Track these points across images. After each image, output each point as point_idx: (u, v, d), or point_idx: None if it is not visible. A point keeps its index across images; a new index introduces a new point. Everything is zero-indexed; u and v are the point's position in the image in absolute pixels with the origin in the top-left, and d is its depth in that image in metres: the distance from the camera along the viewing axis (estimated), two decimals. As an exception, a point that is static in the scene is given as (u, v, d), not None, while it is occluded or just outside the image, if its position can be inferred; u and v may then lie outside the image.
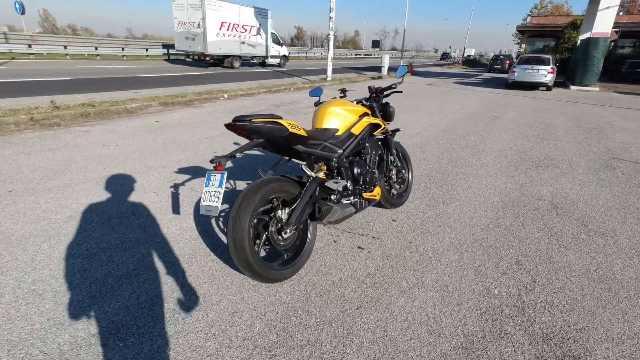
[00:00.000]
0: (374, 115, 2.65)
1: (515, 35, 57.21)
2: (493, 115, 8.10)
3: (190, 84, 11.21)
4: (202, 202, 1.82)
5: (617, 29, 19.74)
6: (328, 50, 15.55)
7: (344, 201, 2.33)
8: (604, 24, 14.36)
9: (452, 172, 4.15)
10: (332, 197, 2.25)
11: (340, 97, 2.79)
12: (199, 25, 16.30)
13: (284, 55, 22.29)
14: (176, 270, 2.16)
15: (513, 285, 2.11)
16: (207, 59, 17.27)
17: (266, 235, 1.99)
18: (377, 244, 2.53)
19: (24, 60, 16.40)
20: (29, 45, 16.82)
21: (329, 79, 14.67)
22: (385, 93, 2.63)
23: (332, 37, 14.98)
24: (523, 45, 37.57)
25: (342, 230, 2.71)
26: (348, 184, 2.33)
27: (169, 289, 1.98)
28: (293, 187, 2.08)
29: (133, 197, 3.18)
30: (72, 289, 1.95)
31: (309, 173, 2.05)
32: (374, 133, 2.63)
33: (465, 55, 50.65)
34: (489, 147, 5.32)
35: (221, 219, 2.85)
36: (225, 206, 2.99)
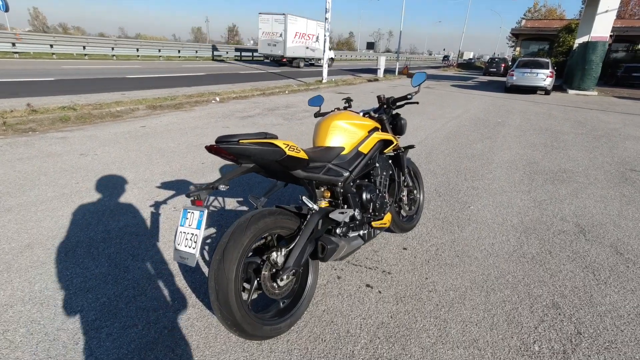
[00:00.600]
0: (384, 129, 2.29)
1: (509, 38, 57.48)
2: (496, 121, 7.80)
3: (191, 85, 10.77)
4: (176, 246, 1.44)
5: (611, 34, 19.71)
6: (323, 51, 15.21)
7: (352, 234, 1.96)
8: (602, 28, 14.21)
9: (462, 186, 3.80)
10: (338, 230, 1.88)
11: (345, 108, 2.42)
12: (280, 34, 21.46)
13: (331, 58, 27.67)
14: (148, 319, 1.77)
15: (555, 339, 1.76)
16: (284, 60, 22.37)
17: (257, 281, 1.61)
18: (388, 281, 2.17)
19: (8, 60, 15.80)
20: (13, 44, 16.22)
21: (324, 81, 14.32)
22: (399, 104, 2.26)
23: (327, 38, 14.64)
24: (518, 49, 37.61)
25: (347, 262, 2.34)
26: (356, 213, 1.96)
27: (138, 348, 1.59)
28: (291, 221, 1.70)
29: (106, 219, 2.77)
30: (12, 351, 1.55)
31: (310, 206, 1.67)
32: (385, 151, 2.26)
33: (465, 58, 50.31)
34: (498, 157, 4.99)
35: (207, 247, 2.46)
36: (214, 230, 2.60)
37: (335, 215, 1.80)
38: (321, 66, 23.44)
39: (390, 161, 2.38)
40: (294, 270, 1.63)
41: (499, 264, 2.39)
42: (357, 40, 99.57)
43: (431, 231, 2.81)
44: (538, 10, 54.93)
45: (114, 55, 19.62)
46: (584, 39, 18.54)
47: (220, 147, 1.41)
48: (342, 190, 1.95)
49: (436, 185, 3.82)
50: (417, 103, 2.31)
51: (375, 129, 2.15)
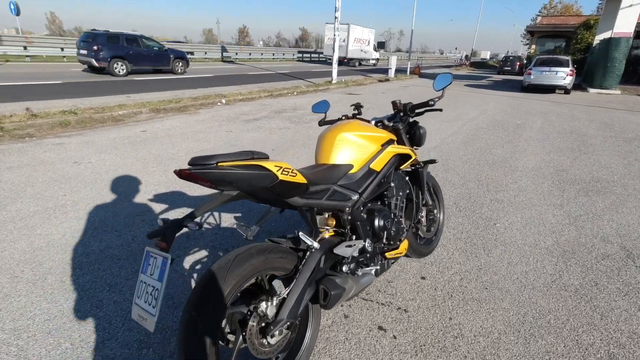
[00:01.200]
0: (400, 141, 1.94)
1: (524, 36, 56.14)
2: (516, 123, 7.35)
3: (207, 86, 10.55)
4: (135, 299, 1.12)
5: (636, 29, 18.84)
6: (333, 51, 14.86)
7: (361, 270, 1.62)
8: (626, 23, 13.53)
9: (485, 199, 3.42)
10: (344, 267, 1.54)
11: (354, 116, 2.08)
12: (344, 40, 26.23)
13: (377, 58, 33.06)
14: (113, 376, 1.46)
15: (619, 409, 1.39)
16: (345, 60, 27.18)
17: (243, 336, 1.29)
18: (404, 321, 1.82)
19: (19, 63, 15.88)
20: (25, 48, 16.29)
21: (334, 81, 13.97)
22: (418, 111, 1.91)
23: (337, 38, 14.29)
24: (533, 47, 36.60)
25: (356, 296, 2.00)
26: (366, 245, 1.62)
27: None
28: (286, 259, 1.37)
29: (87, 239, 2.49)
30: None
31: (309, 243, 1.34)
32: (401, 167, 1.92)
33: (483, 57, 50.39)
34: (522, 163, 4.58)
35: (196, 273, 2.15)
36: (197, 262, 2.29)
37: (341, 249, 1.46)
38: (370, 65, 30.69)
39: (407, 177, 2.03)
40: (288, 323, 1.30)
41: (536, 299, 2.01)
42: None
43: (453, 255, 2.45)
44: (554, 6, 53.52)
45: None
46: (606, 35, 17.77)
47: (194, 172, 1.09)
48: (349, 217, 1.61)
49: (455, 197, 3.44)
50: (441, 110, 1.95)
51: (389, 142, 1.80)
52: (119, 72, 12.80)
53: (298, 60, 32.43)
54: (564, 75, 13.08)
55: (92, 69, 13.03)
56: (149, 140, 5.16)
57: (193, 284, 2.06)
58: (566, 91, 13.52)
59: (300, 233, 1.33)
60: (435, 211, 2.36)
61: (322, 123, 2.15)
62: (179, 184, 3.55)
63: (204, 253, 2.38)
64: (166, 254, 1.07)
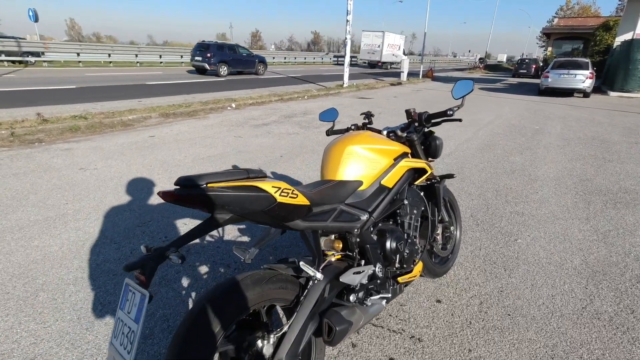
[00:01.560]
0: (414, 152, 1.77)
1: (540, 37, 55.02)
2: (534, 128, 7.07)
3: (235, 89, 10.55)
4: (111, 339, 0.99)
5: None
6: (345, 55, 14.72)
7: (370, 300, 1.45)
8: (649, 24, 13.01)
9: (504, 211, 3.21)
10: (352, 296, 1.39)
11: (364, 125, 1.93)
12: (379, 45, 30.11)
13: (402, 60, 41.30)
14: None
15: None
16: (379, 64, 30.94)
17: None
18: (418, 353, 1.65)
19: (37, 68, 16.22)
20: (42, 53, 16.64)
21: (345, 85, 13.83)
22: (434, 121, 1.74)
23: (349, 41, 14.15)
24: (550, 49, 35.80)
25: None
26: (377, 270, 1.46)
27: None
28: (287, 289, 1.22)
29: (85, 252, 2.39)
30: None
31: (311, 274, 1.19)
32: (416, 182, 1.75)
33: (500, 60, 51.20)
34: (542, 172, 4.34)
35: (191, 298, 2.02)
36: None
37: (348, 277, 1.31)
38: (399, 69, 29.27)
39: (422, 193, 1.86)
40: None
41: (565, 328, 1.81)
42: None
43: (471, 275, 2.26)
44: (571, 7, 52.33)
45: (137, 62, 19.88)
46: (627, 36, 17.20)
47: (180, 194, 0.96)
48: (358, 240, 1.45)
49: (472, 209, 3.24)
50: (460, 120, 1.77)
51: (403, 155, 1.64)
52: (223, 73, 16.48)
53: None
54: (583, 78, 12.66)
55: (198, 71, 16.74)
56: (156, 146, 5.10)
57: (190, 304, 1.93)
58: (585, 94, 13.08)
59: (302, 263, 1.18)
60: (452, 228, 2.18)
61: (329, 133, 2.00)
62: (183, 193, 3.44)
63: (204, 269, 2.25)
64: (144, 290, 0.94)
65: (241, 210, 1.05)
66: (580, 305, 2.00)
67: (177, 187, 0.99)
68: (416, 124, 1.78)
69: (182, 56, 21.84)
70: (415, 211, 1.72)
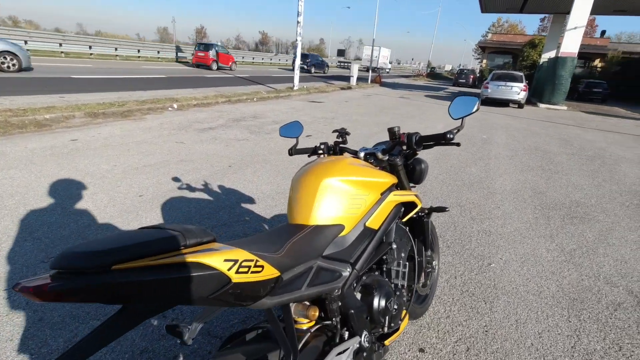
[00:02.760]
0: (400, 183, 1.45)
1: (475, 50, 59.39)
2: (482, 138, 7.27)
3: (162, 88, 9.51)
4: None
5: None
6: (295, 56, 14.37)
7: None
8: (571, 44, 14.37)
9: (472, 230, 3.06)
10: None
11: (336, 146, 1.57)
12: (376, 56, 32.53)
13: (390, 68, 48.38)
14: None
15: None
16: (376, 69, 33.04)
17: None
18: None
19: None
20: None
21: (295, 88, 13.47)
22: (426, 144, 1.43)
23: (299, 43, 13.82)
24: (484, 61, 38.64)
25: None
26: (363, 340, 1.11)
27: None
28: None
29: (-45, 308, 1.74)
30: None
31: None
32: (404, 219, 1.43)
33: (448, 69, 60.67)
34: (499, 184, 4.34)
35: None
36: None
37: None
38: (385, 72, 40.98)
39: (407, 228, 1.54)
40: None
41: (562, 377, 1.61)
42: (328, 47, 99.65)
43: (452, 313, 2.00)
44: (501, 25, 57.21)
45: (62, 52, 17.70)
46: (551, 53, 18.98)
47: (62, 290, 0.53)
48: (340, 304, 1.09)
49: (440, 228, 3.05)
50: (459, 145, 1.47)
51: (392, 187, 1.31)
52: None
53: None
54: (518, 90, 13.60)
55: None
56: (79, 152, 4.32)
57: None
58: (520, 105, 14.07)
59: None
60: (434, 263, 1.90)
61: (293, 152, 1.62)
62: (108, 214, 2.83)
63: None
64: None
65: (176, 299, 0.64)
66: (569, 343, 1.83)
67: (56, 272, 0.56)
68: (404, 147, 1.45)
69: (116, 48, 19.96)
70: (402, 254, 1.40)
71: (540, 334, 1.88)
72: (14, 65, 10.67)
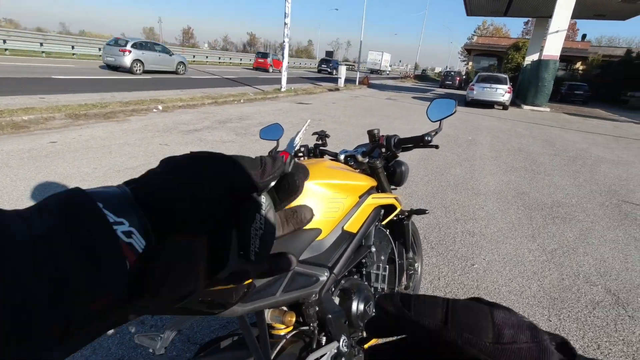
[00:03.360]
0: (380, 186, 1.45)
1: (461, 52, 60.31)
2: (467, 139, 7.37)
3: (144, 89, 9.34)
4: None
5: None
6: (282, 58, 14.34)
7: None
8: (553, 47, 14.71)
9: (456, 230, 3.08)
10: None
11: (316, 148, 1.56)
12: (379, 60, 46.98)
13: (390, 71, 56.24)
14: None
15: None
16: (378, 71, 46.92)
17: None
18: None
19: None
20: None
21: (283, 89, 13.43)
22: (405, 146, 1.43)
23: (287, 44, 13.80)
24: (470, 63, 39.27)
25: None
26: (342, 344, 1.09)
27: None
28: None
29: None
30: None
31: None
32: (384, 221, 1.43)
33: (437, 71, 69.53)
34: (483, 185, 4.39)
35: None
36: None
37: None
38: (386, 73, 51.71)
39: (387, 231, 1.54)
40: None
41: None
42: (316, 49, 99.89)
43: (435, 314, 2.01)
44: (486, 28, 58.28)
45: (43, 52, 17.28)
46: (535, 56, 19.40)
47: None
48: (317, 309, 1.07)
49: (424, 229, 3.06)
50: (437, 147, 1.48)
51: (370, 190, 1.30)
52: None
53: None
54: (503, 92, 13.85)
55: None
56: (58, 155, 4.20)
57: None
58: (504, 107, 14.33)
59: None
60: (416, 265, 1.90)
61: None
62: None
63: None
64: None
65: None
66: (548, 343, 1.85)
67: None
68: (383, 149, 1.45)
69: (100, 49, 19.56)
70: (382, 257, 1.40)
71: (521, 333, 1.90)
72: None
